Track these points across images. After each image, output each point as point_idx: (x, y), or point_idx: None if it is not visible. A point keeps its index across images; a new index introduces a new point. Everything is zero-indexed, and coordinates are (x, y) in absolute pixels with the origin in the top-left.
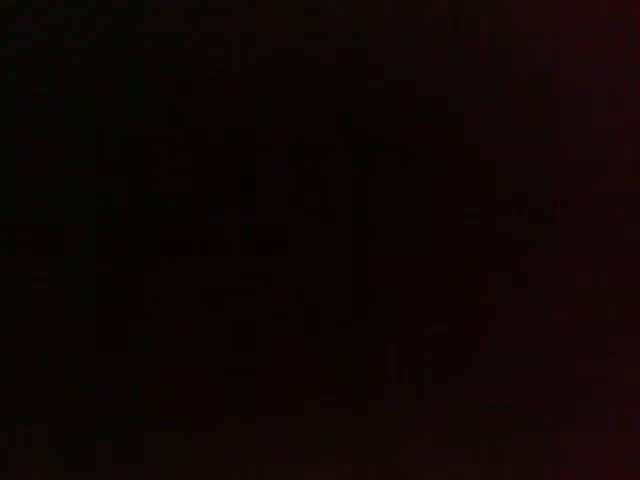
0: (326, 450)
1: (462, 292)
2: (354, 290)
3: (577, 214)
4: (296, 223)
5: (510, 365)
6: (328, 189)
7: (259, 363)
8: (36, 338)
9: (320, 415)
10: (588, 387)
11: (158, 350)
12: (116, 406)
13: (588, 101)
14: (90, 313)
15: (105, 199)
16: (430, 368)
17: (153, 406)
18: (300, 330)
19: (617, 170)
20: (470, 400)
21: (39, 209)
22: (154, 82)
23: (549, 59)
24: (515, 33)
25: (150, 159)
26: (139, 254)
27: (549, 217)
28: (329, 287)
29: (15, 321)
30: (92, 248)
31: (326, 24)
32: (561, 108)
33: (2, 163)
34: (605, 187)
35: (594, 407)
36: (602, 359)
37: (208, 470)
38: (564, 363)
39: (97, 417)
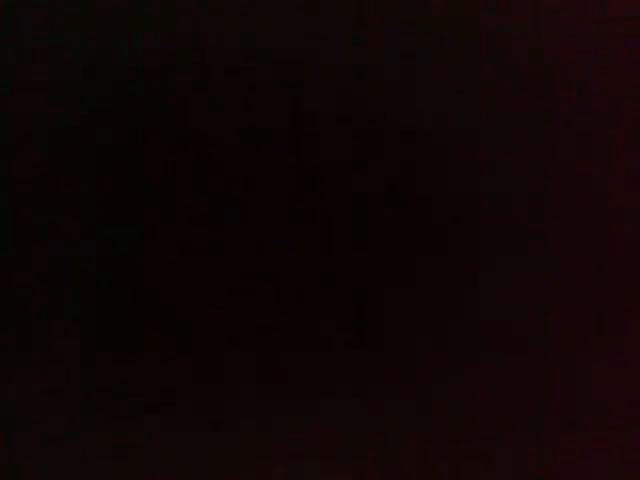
0: (326, 450)
1: (462, 292)
2: (354, 289)
3: (577, 212)
4: (296, 223)
5: (510, 365)
6: (328, 188)
7: (258, 363)
8: (36, 337)
9: (320, 415)
10: (588, 387)
11: (158, 350)
12: (115, 406)
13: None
14: (91, 312)
15: (104, 199)
16: (430, 368)
17: (153, 406)
18: (300, 330)
19: (618, 171)
20: (470, 400)
21: (39, 209)
22: (152, 81)
23: (549, 61)
24: (516, 33)
25: (150, 158)
26: (138, 253)
27: (549, 215)
28: (329, 287)
29: (15, 321)
30: (93, 247)
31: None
32: (561, 108)
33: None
34: (606, 187)
35: (594, 407)
36: (602, 359)
37: (208, 470)
38: (564, 363)
39: (97, 417)
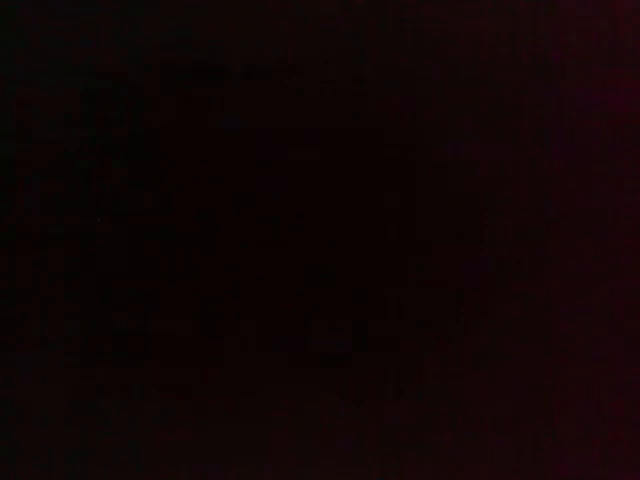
0: (326, 450)
1: (462, 292)
2: (354, 289)
3: (577, 212)
4: (297, 222)
5: (510, 365)
6: (329, 188)
7: (258, 363)
8: (35, 336)
9: (320, 416)
10: (587, 387)
11: (158, 350)
12: (114, 406)
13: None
14: (92, 310)
15: (105, 196)
16: (430, 368)
17: (152, 406)
18: (300, 330)
19: (617, 170)
20: (470, 401)
21: (41, 208)
22: (154, 80)
23: (547, 59)
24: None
25: (151, 157)
26: (138, 251)
27: (550, 215)
28: (329, 286)
29: (15, 319)
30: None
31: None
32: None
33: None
34: (607, 186)
35: (594, 407)
36: (603, 359)
37: (208, 470)
38: (564, 363)
39: (95, 416)
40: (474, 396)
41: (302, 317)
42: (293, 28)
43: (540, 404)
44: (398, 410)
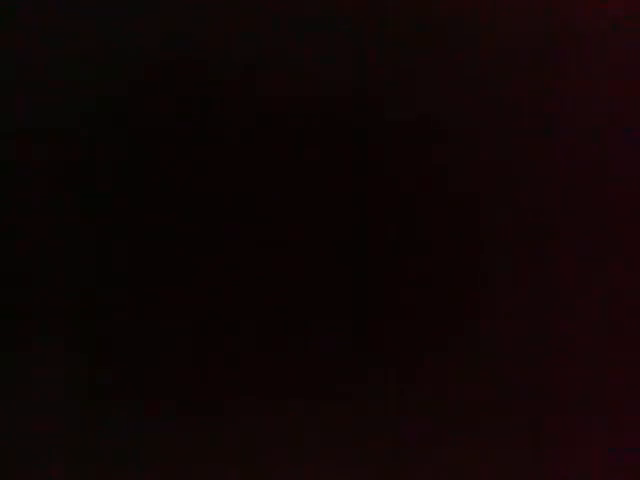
0: (326, 450)
1: (462, 292)
2: (354, 290)
3: (576, 213)
4: (296, 222)
5: (510, 366)
6: (328, 189)
7: (258, 362)
8: (35, 336)
9: (319, 415)
10: (588, 388)
11: (157, 349)
12: (114, 405)
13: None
14: (92, 310)
15: (104, 198)
16: (430, 368)
17: (152, 406)
18: (300, 329)
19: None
20: (470, 401)
21: (41, 206)
22: (152, 81)
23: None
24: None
25: (149, 157)
26: (136, 251)
27: (549, 215)
28: (328, 286)
29: (15, 318)
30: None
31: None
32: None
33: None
34: (605, 188)
35: (595, 408)
36: (602, 361)
37: (207, 470)
38: (564, 364)
39: (96, 417)
40: (474, 396)
41: (301, 317)
42: (292, 28)
43: (540, 404)
44: (398, 411)
